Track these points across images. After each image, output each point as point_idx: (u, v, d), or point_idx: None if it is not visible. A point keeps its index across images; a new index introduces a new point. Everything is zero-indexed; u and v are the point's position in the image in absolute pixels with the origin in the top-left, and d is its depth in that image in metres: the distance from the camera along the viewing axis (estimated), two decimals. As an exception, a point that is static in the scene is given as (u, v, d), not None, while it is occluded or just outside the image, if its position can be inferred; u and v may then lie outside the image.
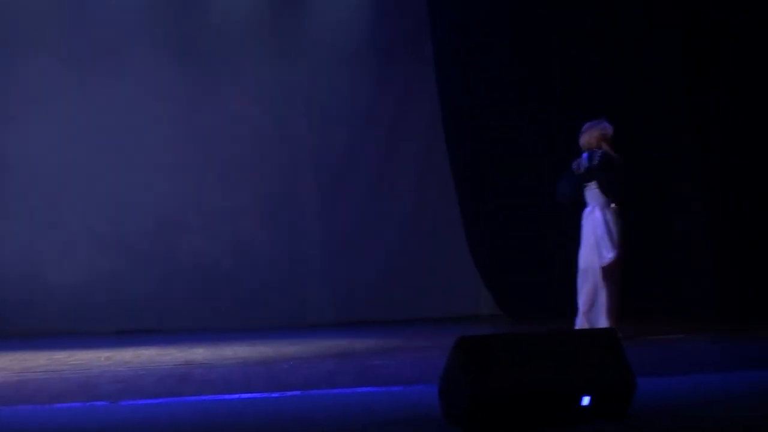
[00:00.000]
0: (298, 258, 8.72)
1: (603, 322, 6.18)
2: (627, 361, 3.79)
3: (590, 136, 6.33)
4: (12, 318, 8.22)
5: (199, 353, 6.50)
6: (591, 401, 3.66)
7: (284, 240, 8.73)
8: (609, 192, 6.24)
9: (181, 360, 6.15)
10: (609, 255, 6.23)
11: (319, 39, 8.80)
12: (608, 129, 6.34)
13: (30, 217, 8.34)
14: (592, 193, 6.32)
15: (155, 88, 8.52)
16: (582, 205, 6.40)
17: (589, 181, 6.30)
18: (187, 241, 8.60)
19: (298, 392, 4.67)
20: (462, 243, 8.67)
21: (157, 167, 8.54)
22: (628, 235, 6.39)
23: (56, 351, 6.86)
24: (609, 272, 6.25)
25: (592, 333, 4.96)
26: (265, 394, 4.62)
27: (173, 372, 5.60)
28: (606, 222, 6.25)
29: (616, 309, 6.29)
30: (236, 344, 6.97)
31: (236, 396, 4.61)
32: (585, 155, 6.32)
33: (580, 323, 6.32)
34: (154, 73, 8.53)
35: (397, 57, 8.82)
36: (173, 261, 8.54)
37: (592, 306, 6.30)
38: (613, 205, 6.29)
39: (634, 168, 6.61)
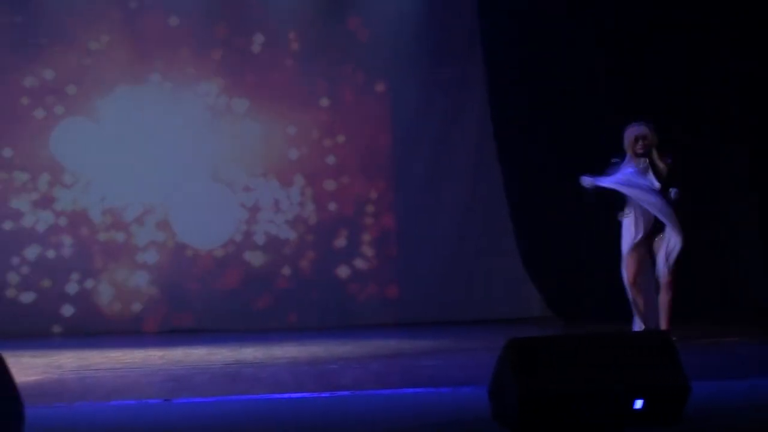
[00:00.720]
0: (347, 259, 8.76)
1: (662, 324, 6.17)
2: (681, 364, 3.73)
3: (625, 140, 6.36)
4: (70, 317, 8.39)
5: (249, 353, 6.56)
6: (644, 405, 3.61)
7: (334, 242, 8.76)
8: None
9: (231, 359, 6.22)
10: (623, 251, 6.26)
11: (368, 40, 8.81)
12: (630, 133, 6.32)
13: (86, 216, 8.51)
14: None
15: (219, 90, 8.64)
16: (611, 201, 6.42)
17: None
18: (237, 242, 8.69)
19: (347, 392, 4.69)
20: (512, 244, 8.61)
21: (208, 171, 8.65)
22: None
23: (112, 349, 6.99)
24: (625, 269, 6.27)
25: (646, 335, 4.90)
26: (315, 394, 4.64)
27: (224, 371, 5.66)
28: (625, 221, 6.32)
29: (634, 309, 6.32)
30: (286, 344, 7.02)
31: (286, 395, 4.65)
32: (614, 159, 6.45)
33: (636, 326, 6.31)
34: (210, 78, 8.64)
35: (447, 58, 8.79)
36: (225, 262, 8.64)
37: (641, 308, 6.30)
38: (625, 211, 6.28)
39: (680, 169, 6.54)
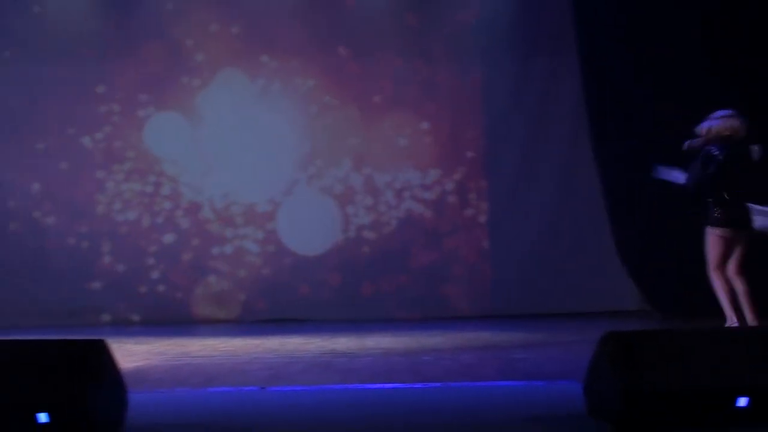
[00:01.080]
0: (439, 250, 8.75)
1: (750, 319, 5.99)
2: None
3: None
4: (170, 305, 8.66)
5: (342, 343, 6.63)
6: (748, 403, 3.48)
7: (427, 233, 8.77)
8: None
9: (325, 349, 6.31)
10: None
11: (461, 30, 8.77)
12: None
13: (189, 208, 8.76)
14: None
15: (319, 83, 8.76)
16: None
17: None
18: (333, 234, 8.79)
19: (439, 384, 4.68)
20: (607, 236, 8.43)
21: (306, 164, 8.78)
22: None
23: (210, 338, 7.19)
24: None
25: (749, 331, 4.72)
26: (407, 385, 4.66)
27: (318, 360, 5.74)
28: None
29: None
30: (378, 335, 7.07)
31: (379, 386, 4.68)
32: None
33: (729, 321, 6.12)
34: (308, 72, 8.77)
35: (540, 47, 8.68)
36: (320, 253, 8.76)
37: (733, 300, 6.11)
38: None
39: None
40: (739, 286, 6.06)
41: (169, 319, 8.48)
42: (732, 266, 6.09)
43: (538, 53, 8.68)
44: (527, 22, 8.71)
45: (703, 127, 6.15)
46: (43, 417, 3.40)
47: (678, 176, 6.22)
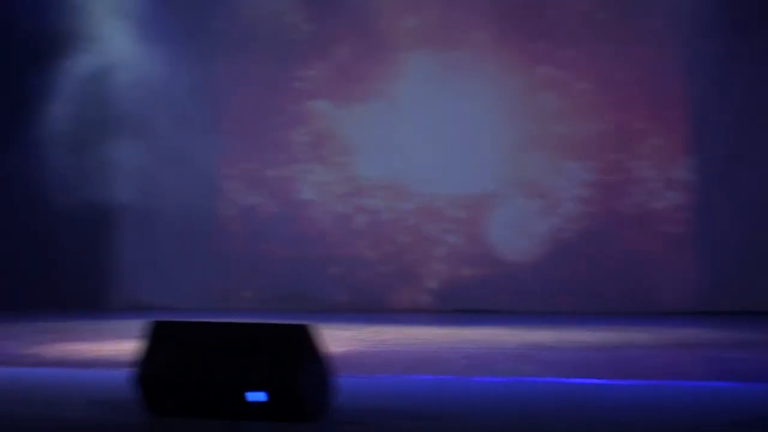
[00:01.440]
0: (645, 243, 8.44)
1: None
2: None
3: None
4: (371, 293, 8.93)
5: (539, 335, 6.57)
6: None
7: (631, 226, 8.49)
8: None
9: (522, 341, 6.28)
10: None
11: (664, 10, 8.39)
12: None
13: (388, 200, 8.99)
14: None
15: (497, 73, 8.73)
16: None
17: None
18: (529, 225, 8.71)
19: (641, 381, 4.53)
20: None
21: (507, 159, 8.75)
22: None
23: (408, 326, 7.35)
24: None
25: None
26: (607, 381, 4.54)
27: (515, 352, 5.72)
28: None
29: None
30: (576, 329, 6.93)
31: (578, 380, 4.59)
32: None
33: None
34: (498, 59, 8.74)
35: (747, 28, 8.14)
36: (513, 245, 8.72)
37: None
38: None
39: None
40: None
41: (372, 306, 8.74)
42: None
43: (746, 35, 8.14)
44: (732, 2, 8.19)
45: None
46: (253, 396, 3.62)
47: None
